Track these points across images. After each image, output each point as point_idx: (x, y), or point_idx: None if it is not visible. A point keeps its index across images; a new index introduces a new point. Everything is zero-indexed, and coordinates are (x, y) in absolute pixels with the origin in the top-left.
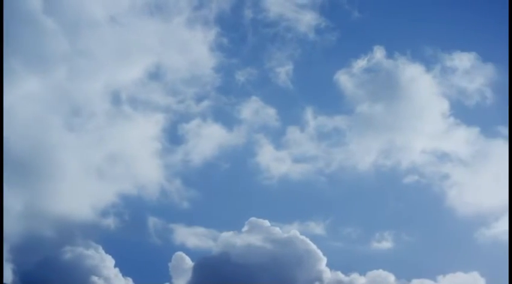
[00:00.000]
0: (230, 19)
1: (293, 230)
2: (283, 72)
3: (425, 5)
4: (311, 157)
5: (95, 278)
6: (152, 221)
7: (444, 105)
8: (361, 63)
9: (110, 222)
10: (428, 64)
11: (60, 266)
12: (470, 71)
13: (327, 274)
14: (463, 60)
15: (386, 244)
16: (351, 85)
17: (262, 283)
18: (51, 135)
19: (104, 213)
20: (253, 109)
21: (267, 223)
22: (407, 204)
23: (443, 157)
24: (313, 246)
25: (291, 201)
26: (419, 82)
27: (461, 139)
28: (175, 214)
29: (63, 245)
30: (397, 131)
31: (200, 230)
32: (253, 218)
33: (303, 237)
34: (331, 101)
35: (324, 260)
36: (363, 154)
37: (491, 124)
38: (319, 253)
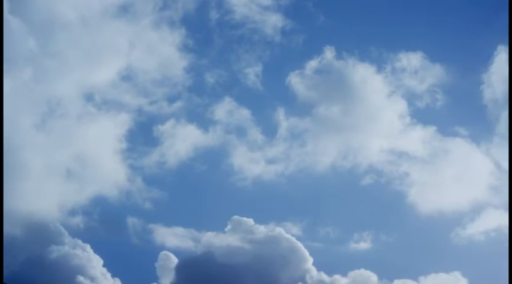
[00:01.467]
0: (196, 20)
1: (276, 229)
2: (252, 73)
3: (373, 7)
4: (283, 158)
5: (80, 278)
6: (131, 221)
7: (398, 105)
8: (312, 64)
9: (79, 221)
10: (378, 64)
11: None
12: (419, 70)
13: (312, 273)
14: (410, 59)
15: (364, 245)
16: (302, 87)
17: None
18: (19, 136)
19: (73, 213)
20: (227, 110)
21: (251, 221)
22: (371, 205)
23: (401, 156)
24: (297, 245)
25: (265, 202)
26: (371, 82)
27: (418, 139)
28: (152, 215)
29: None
30: (354, 132)
31: (180, 230)
32: (236, 217)
33: (287, 236)
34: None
35: (309, 259)
36: (322, 155)
37: (447, 123)
38: (303, 252)
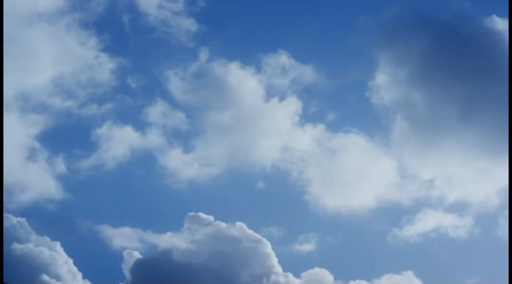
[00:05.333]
0: (111, 23)
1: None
2: (172, 74)
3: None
4: (215, 161)
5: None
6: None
7: (283, 105)
8: (190, 67)
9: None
10: (251, 65)
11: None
12: (289, 71)
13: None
14: (281, 60)
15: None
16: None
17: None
18: None
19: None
20: (161, 112)
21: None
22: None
23: (295, 155)
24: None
25: (201, 204)
26: (248, 84)
27: (309, 137)
28: (97, 216)
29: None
30: (240, 133)
31: (127, 230)
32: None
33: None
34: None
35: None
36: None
37: (335, 121)
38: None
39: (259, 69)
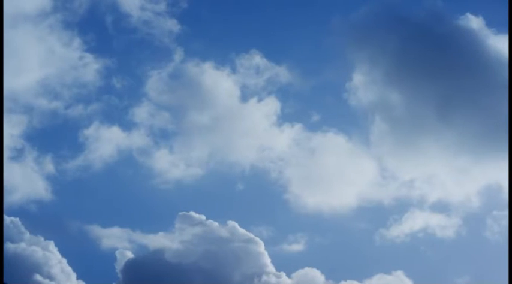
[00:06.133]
0: (93, 24)
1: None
2: (157, 75)
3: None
4: (201, 161)
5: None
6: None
7: (259, 106)
8: (168, 68)
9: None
10: (226, 65)
11: None
12: (264, 71)
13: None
14: (254, 60)
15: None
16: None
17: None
18: None
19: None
20: (148, 113)
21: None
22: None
23: (273, 155)
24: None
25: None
26: (223, 84)
27: (287, 137)
28: (87, 217)
29: None
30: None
31: (116, 230)
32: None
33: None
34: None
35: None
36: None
37: (312, 121)
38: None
39: (234, 70)
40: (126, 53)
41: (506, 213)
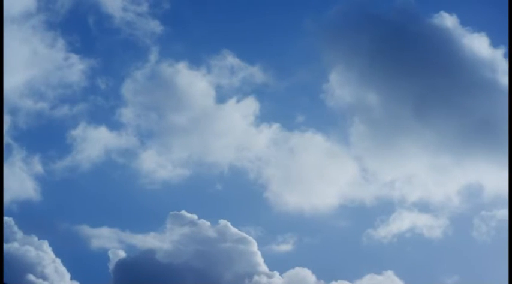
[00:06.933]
0: (76, 25)
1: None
2: (139, 75)
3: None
4: (188, 162)
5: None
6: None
7: (236, 106)
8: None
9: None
10: (200, 66)
11: None
12: (237, 71)
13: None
14: (227, 60)
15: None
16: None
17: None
18: None
19: None
20: (135, 114)
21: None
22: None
23: (251, 155)
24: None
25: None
26: (198, 85)
27: (265, 137)
28: (75, 217)
29: None
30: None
31: (106, 230)
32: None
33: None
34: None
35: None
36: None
37: (290, 121)
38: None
39: (209, 70)
40: (110, 54)
41: (489, 212)
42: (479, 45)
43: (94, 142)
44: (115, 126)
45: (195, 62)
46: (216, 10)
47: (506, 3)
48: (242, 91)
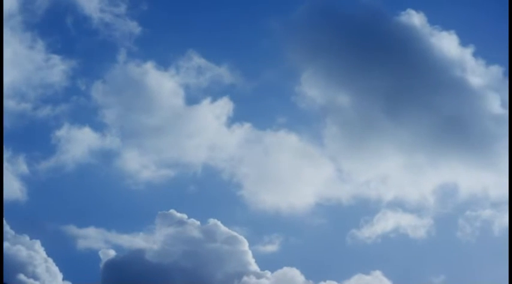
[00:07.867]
0: (55, 25)
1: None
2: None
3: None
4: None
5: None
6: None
7: (207, 106)
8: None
9: None
10: (168, 67)
11: None
12: (204, 72)
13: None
14: (194, 61)
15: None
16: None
17: None
18: None
19: None
20: (117, 114)
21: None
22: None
23: (225, 155)
24: None
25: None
26: (166, 85)
27: (238, 136)
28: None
29: None
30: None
31: (92, 231)
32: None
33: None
34: None
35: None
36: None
37: (261, 119)
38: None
39: (177, 71)
40: (89, 55)
41: (473, 212)
42: (448, 44)
43: (78, 143)
44: (98, 126)
45: (163, 63)
46: (187, 10)
47: (476, 1)
48: (211, 92)
